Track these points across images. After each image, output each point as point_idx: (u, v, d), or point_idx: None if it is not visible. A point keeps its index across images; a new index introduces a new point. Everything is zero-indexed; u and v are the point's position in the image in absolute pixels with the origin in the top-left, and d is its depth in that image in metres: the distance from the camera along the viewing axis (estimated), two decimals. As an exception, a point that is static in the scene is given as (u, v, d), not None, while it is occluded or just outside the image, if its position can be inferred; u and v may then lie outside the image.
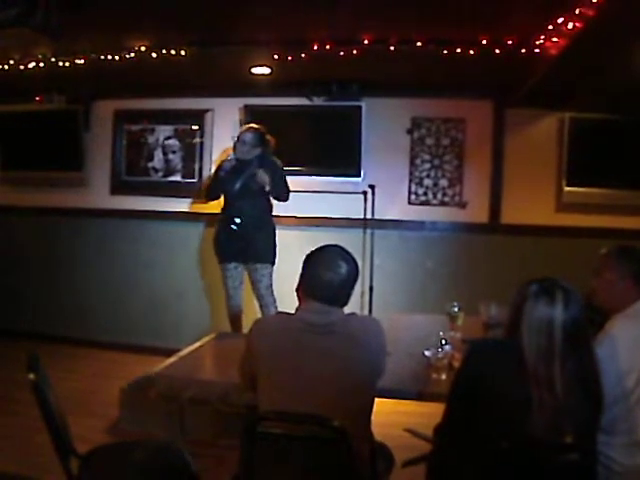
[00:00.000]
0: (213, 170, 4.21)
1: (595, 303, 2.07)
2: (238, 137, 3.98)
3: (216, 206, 5.02)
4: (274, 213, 4.17)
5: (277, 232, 4.15)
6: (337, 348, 1.80)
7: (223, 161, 4.04)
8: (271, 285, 4.07)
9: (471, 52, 3.51)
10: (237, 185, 3.96)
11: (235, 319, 4.15)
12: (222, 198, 4.12)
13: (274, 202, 4.12)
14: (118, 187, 5.21)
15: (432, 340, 2.37)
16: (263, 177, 3.90)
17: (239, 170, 3.95)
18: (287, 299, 3.93)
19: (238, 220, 3.95)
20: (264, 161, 3.98)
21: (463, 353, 1.83)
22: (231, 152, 4.01)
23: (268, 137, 4.03)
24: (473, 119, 4.66)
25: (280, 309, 3.74)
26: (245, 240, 3.96)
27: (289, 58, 3.80)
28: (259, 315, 4.03)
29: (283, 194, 4.05)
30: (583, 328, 1.65)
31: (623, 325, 1.92)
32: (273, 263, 4.07)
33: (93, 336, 5.18)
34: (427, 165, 4.72)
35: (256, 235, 3.98)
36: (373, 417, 1.91)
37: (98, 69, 4.09)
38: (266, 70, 4.22)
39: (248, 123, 4.20)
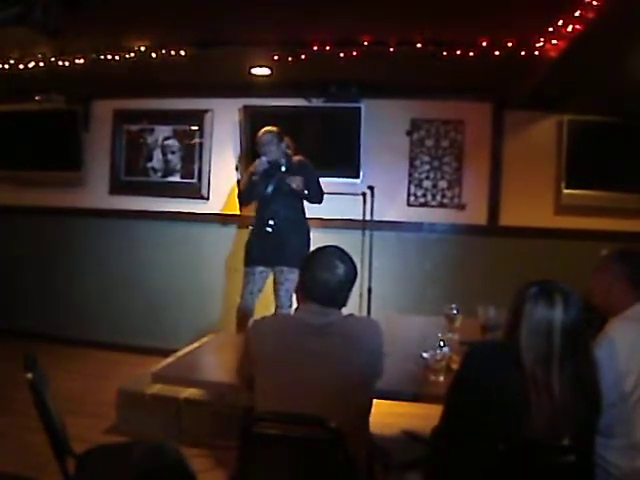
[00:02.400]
0: (245, 176, 4.13)
1: (592, 304, 2.07)
2: (257, 143, 3.97)
3: (216, 206, 5.03)
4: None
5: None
6: (335, 349, 1.80)
7: (255, 165, 3.95)
8: (292, 289, 3.96)
9: (471, 54, 3.51)
10: (269, 188, 3.91)
11: (243, 320, 4.09)
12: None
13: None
14: (117, 187, 5.21)
15: (430, 342, 2.37)
16: (298, 183, 3.84)
17: (270, 172, 3.91)
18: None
19: (272, 222, 3.91)
20: (299, 165, 3.95)
21: (461, 355, 1.83)
22: (263, 157, 3.92)
23: (285, 138, 3.98)
24: (472, 121, 4.66)
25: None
26: (278, 242, 3.91)
27: (289, 59, 3.80)
28: None
29: (317, 196, 4.02)
30: (582, 330, 1.64)
31: (622, 327, 1.92)
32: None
33: (90, 336, 5.17)
34: (426, 167, 4.72)
35: (290, 237, 3.92)
36: (370, 418, 1.91)
37: (97, 69, 4.09)
38: (266, 71, 4.22)
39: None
